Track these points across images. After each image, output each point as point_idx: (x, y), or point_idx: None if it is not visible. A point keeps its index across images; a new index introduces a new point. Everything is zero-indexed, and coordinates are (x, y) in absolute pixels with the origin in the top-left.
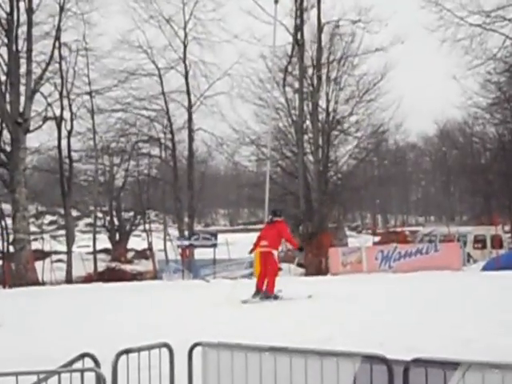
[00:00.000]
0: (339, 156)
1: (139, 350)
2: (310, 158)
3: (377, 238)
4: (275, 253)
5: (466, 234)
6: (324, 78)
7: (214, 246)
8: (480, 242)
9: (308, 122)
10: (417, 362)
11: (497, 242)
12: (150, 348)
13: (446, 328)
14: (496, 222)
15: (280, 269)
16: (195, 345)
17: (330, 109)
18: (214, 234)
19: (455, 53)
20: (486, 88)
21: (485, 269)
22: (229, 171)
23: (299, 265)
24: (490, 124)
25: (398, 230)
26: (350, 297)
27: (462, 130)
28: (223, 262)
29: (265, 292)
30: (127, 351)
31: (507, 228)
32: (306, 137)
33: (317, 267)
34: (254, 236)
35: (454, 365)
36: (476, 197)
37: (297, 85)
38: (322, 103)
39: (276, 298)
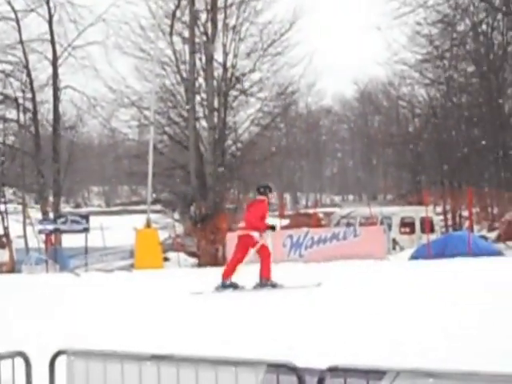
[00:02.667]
0: (239, 122)
1: None
2: (204, 123)
3: (285, 222)
4: (255, 234)
5: (390, 216)
6: (221, 25)
7: (86, 231)
8: (408, 225)
9: (201, 80)
10: (334, 370)
11: (427, 226)
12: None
13: (369, 329)
14: (426, 201)
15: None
16: (58, 353)
17: (228, 64)
18: (86, 217)
19: None
20: (415, 42)
21: (414, 257)
22: (104, 140)
23: (191, 253)
24: (420, 85)
25: (311, 211)
26: (248, 291)
27: (386, 91)
28: (97, 250)
29: (260, 279)
30: None
31: (439, 209)
32: (198, 98)
33: (212, 256)
34: (135, 219)
35: (379, 373)
36: (403, 171)
37: (187, 34)
38: (218, 57)
39: (274, 285)
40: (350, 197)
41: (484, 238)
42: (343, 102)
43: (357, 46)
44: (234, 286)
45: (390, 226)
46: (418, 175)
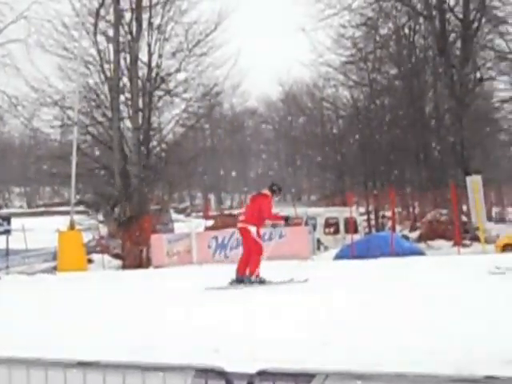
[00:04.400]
0: (164, 122)
1: None
2: (128, 124)
3: (210, 223)
4: (253, 229)
5: (315, 217)
6: (145, 24)
7: (7, 232)
8: (332, 225)
9: (125, 80)
10: (263, 374)
11: (351, 226)
12: None
13: (296, 330)
14: (350, 202)
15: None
16: None
17: (153, 63)
18: (7, 218)
19: None
20: (340, 44)
21: (338, 257)
22: (26, 140)
23: (115, 255)
24: (344, 86)
25: (235, 212)
26: (174, 294)
27: (310, 93)
28: (19, 253)
29: (247, 275)
30: None
31: (363, 209)
32: (122, 97)
33: (136, 258)
34: (58, 221)
35: (307, 376)
36: (327, 172)
37: (111, 33)
38: (143, 56)
39: (262, 282)
40: (275, 198)
41: (406, 237)
42: (268, 103)
43: (282, 48)
44: (261, 281)
45: (314, 227)
46: (342, 176)
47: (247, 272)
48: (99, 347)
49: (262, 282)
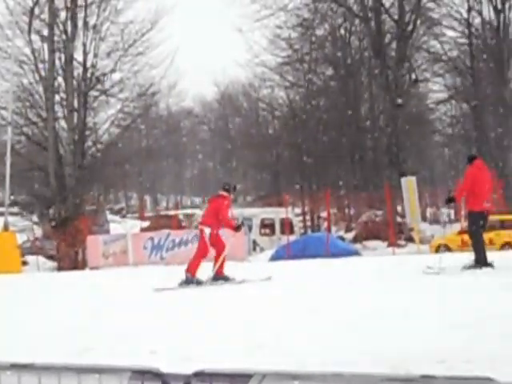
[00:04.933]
0: (99, 122)
1: None
2: (63, 124)
3: (145, 224)
4: (207, 230)
5: (251, 218)
6: (81, 24)
7: None
8: (268, 226)
9: (60, 79)
10: (200, 375)
11: (287, 227)
12: None
13: (233, 332)
14: (286, 202)
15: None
16: None
17: (88, 63)
18: None
19: (241, 0)
20: (276, 44)
21: (274, 258)
22: None
23: (50, 257)
24: (280, 87)
25: (171, 213)
26: (111, 296)
27: (246, 93)
28: None
29: (186, 274)
30: None
31: (298, 210)
32: (57, 97)
33: (72, 260)
34: None
35: (244, 377)
36: (263, 173)
37: (46, 32)
38: (78, 56)
39: (199, 283)
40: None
41: (341, 238)
42: (204, 103)
43: (218, 48)
44: (225, 279)
45: (250, 228)
46: (278, 177)
47: (214, 272)
48: (34, 349)
49: (199, 283)
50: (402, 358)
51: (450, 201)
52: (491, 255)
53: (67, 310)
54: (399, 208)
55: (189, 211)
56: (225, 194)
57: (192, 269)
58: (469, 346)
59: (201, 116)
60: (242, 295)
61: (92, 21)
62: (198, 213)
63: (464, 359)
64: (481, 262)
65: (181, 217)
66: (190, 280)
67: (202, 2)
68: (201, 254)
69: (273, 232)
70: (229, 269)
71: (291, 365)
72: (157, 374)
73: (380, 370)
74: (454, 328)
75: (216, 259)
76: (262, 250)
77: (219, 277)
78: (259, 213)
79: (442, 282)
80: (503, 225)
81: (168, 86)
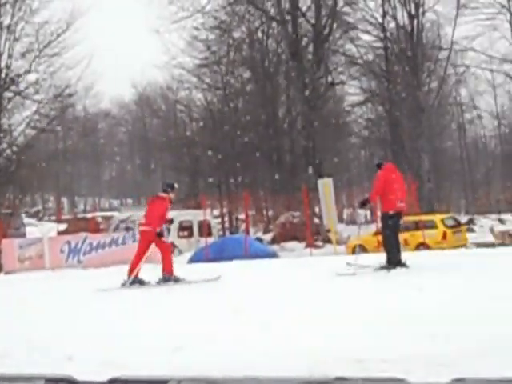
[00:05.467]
0: (14, 124)
1: None
2: None
3: (62, 227)
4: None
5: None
6: None
7: None
8: (186, 229)
9: None
10: (114, 382)
11: (205, 229)
12: None
13: (147, 335)
14: (204, 204)
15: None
16: None
17: (3, 64)
18: None
19: (159, 1)
20: (194, 46)
21: (192, 261)
22: None
23: None
24: (198, 89)
25: (89, 216)
26: (26, 300)
27: (164, 95)
28: None
29: (163, 274)
30: None
31: (217, 212)
32: None
33: None
34: None
35: (160, 382)
36: (181, 175)
37: None
38: None
39: (177, 280)
40: (129, 200)
41: (260, 240)
42: (121, 105)
43: (136, 49)
44: (140, 282)
45: (168, 230)
46: (196, 179)
47: (164, 272)
48: None
49: (176, 280)
50: (318, 360)
51: (363, 204)
52: (405, 255)
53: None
54: (317, 209)
55: (107, 214)
56: (163, 195)
57: (167, 269)
58: (383, 345)
59: (118, 118)
60: (160, 298)
61: (6, 21)
62: (117, 215)
63: (379, 359)
64: (393, 262)
65: (99, 219)
66: (169, 279)
67: (120, 3)
68: (166, 252)
69: (191, 234)
70: (146, 272)
71: (212, 368)
72: (71, 382)
73: (297, 373)
74: (367, 328)
75: (162, 261)
76: (180, 252)
77: (169, 277)
78: (177, 215)
79: (355, 282)
80: (418, 225)
81: (85, 87)
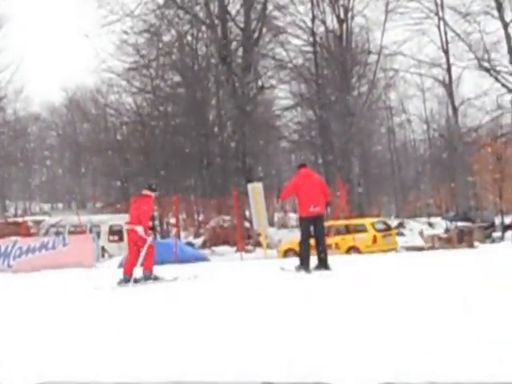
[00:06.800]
0: None
1: None
2: None
3: None
4: (139, 228)
5: (99, 224)
6: None
7: None
8: (116, 233)
9: None
10: None
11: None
12: None
13: (77, 341)
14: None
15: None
16: None
17: None
18: None
19: (88, 5)
20: (123, 50)
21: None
22: None
23: None
24: (127, 93)
25: (20, 220)
26: None
27: (94, 99)
28: None
29: (144, 273)
30: None
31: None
32: None
33: None
34: None
35: None
36: (111, 179)
37: None
38: None
39: (156, 278)
40: (60, 205)
41: (190, 244)
42: (51, 108)
43: (66, 53)
44: (135, 281)
45: (98, 234)
46: (127, 183)
47: (145, 271)
48: None
49: (156, 279)
50: (247, 364)
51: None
52: (335, 259)
53: None
54: (247, 213)
55: (38, 218)
56: (149, 192)
57: (150, 266)
58: (313, 349)
59: (49, 121)
60: (90, 302)
61: None
62: (47, 220)
63: (307, 362)
64: (304, 264)
65: (30, 223)
66: (149, 277)
67: (51, 8)
68: (149, 251)
69: (121, 239)
70: (77, 275)
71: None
72: None
73: (225, 378)
74: (294, 332)
75: (145, 258)
76: (110, 256)
77: (149, 276)
78: (107, 219)
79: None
80: (348, 229)
81: (14, 90)
